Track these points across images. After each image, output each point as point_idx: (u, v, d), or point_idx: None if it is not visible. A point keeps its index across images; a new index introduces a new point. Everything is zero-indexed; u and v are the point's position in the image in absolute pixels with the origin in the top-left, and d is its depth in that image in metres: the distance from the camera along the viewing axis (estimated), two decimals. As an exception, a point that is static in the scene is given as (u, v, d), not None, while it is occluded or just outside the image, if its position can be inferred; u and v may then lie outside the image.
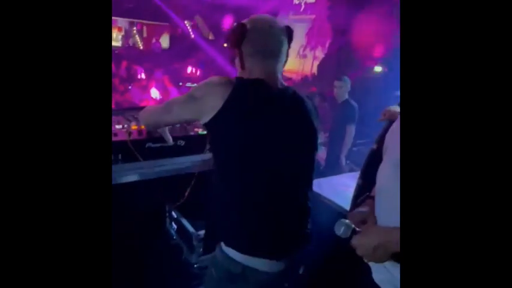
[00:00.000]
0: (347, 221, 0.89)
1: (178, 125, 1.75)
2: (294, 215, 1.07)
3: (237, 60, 1.07)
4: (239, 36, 1.02)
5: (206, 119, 0.98)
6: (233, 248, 0.99)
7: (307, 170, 1.12)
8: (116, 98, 4.65)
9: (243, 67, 1.05)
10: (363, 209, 1.00)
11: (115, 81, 5.37)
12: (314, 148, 1.12)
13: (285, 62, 1.10)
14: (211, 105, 0.96)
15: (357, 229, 0.88)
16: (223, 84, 0.98)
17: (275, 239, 1.02)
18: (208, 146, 1.64)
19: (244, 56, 1.04)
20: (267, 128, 0.99)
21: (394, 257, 0.81)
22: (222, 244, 1.03)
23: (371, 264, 0.95)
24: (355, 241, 0.86)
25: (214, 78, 1.02)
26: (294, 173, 1.06)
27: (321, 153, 3.63)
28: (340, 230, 0.88)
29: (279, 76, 1.07)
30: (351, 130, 3.37)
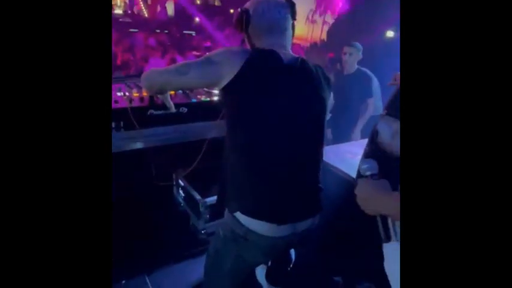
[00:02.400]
0: (375, 164, 0.86)
1: (180, 92, 1.71)
2: (300, 182, 1.08)
3: (246, 42, 1.14)
4: (243, 22, 1.09)
5: (223, 83, 1.00)
6: (238, 209, 1.03)
7: (316, 137, 1.12)
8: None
9: (252, 47, 1.12)
10: None
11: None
12: (323, 114, 1.12)
13: (292, 35, 1.16)
14: (229, 70, 0.99)
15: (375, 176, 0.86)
16: (240, 51, 1.03)
17: (277, 204, 1.04)
18: (222, 114, 1.61)
19: (252, 38, 1.11)
20: (279, 94, 1.03)
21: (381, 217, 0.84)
22: (230, 205, 1.07)
23: (385, 252, 0.95)
24: (362, 182, 0.86)
25: (231, 47, 1.07)
26: (303, 139, 1.07)
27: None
28: (364, 165, 0.86)
29: (288, 47, 1.13)
30: (371, 104, 3.06)
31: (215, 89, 1.14)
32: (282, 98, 1.03)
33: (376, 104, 3.34)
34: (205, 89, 1.69)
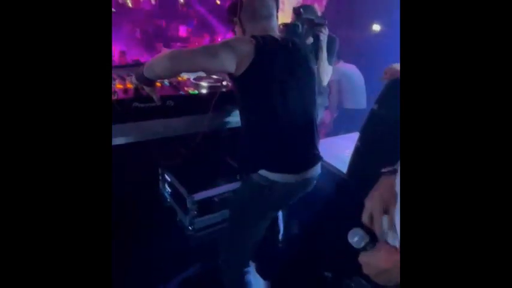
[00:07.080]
0: (361, 232, 0.79)
1: (167, 83, 1.66)
2: (304, 141, 1.37)
3: (237, 28, 1.38)
4: (238, 7, 1.31)
5: (242, 68, 1.21)
6: (263, 168, 1.30)
7: (311, 104, 1.39)
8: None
9: (244, 32, 1.35)
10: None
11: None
12: (314, 83, 1.40)
13: (277, 22, 1.39)
14: (247, 55, 1.20)
15: (368, 244, 0.78)
16: (247, 41, 1.24)
17: (292, 160, 1.33)
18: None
19: (243, 22, 1.34)
20: (282, 72, 1.26)
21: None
22: (254, 166, 1.33)
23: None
24: (363, 258, 0.77)
25: (238, 36, 1.34)
26: (303, 107, 1.34)
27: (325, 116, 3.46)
28: (354, 239, 0.79)
29: (276, 30, 1.38)
30: None
31: (227, 74, 1.30)
32: (285, 74, 1.27)
33: (359, 99, 3.36)
34: (194, 81, 1.64)
